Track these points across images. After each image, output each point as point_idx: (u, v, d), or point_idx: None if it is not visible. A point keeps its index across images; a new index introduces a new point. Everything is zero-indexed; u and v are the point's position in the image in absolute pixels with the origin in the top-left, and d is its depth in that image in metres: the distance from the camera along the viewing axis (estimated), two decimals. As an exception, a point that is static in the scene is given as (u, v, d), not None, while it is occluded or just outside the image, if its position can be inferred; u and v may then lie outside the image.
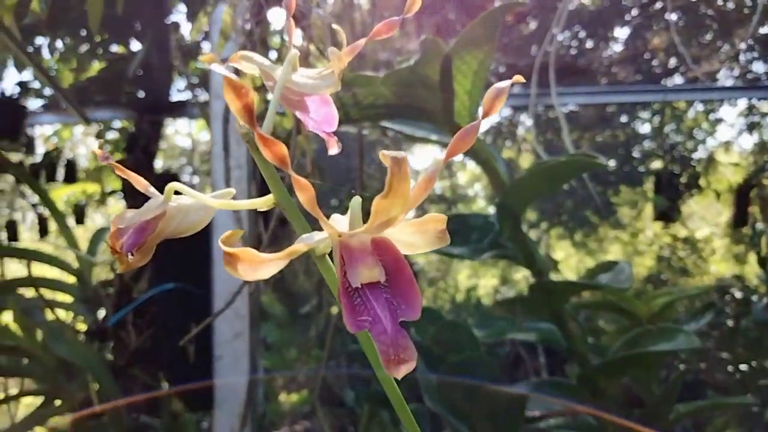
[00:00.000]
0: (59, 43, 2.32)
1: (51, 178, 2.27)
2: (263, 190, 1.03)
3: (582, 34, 2.53)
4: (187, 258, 0.98)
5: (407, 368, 0.20)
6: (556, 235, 3.79)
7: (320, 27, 0.77)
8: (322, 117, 0.30)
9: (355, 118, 0.78)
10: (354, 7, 1.00)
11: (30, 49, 2.19)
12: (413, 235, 0.23)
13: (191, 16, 1.85)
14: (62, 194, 2.40)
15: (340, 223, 0.23)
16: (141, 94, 2.29)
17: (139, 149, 2.18)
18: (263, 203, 0.25)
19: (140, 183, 0.28)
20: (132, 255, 0.27)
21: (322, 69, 0.29)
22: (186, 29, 1.97)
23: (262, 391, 1.93)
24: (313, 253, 0.24)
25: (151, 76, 2.20)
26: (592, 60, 2.59)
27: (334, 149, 0.31)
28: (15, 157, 2.20)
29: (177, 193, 0.27)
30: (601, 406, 0.80)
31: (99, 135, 2.51)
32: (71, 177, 2.20)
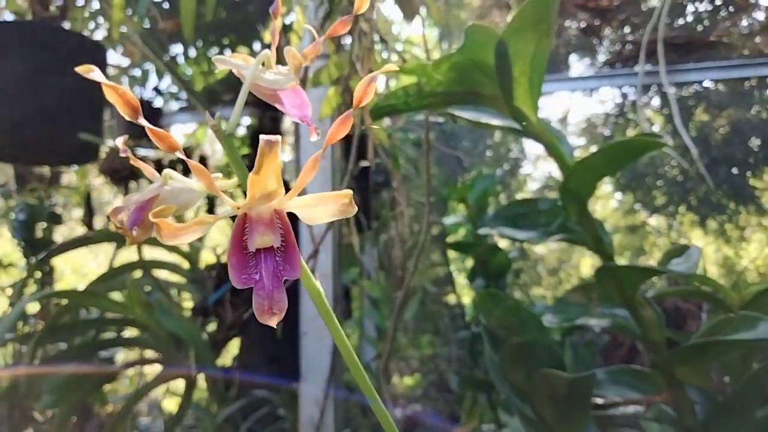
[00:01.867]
0: (192, 51, 2.55)
1: (186, 173, 2.52)
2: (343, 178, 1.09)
3: (708, 5, 2.33)
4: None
5: (278, 318, 0.23)
6: (688, 222, 3.52)
7: (383, 18, 0.80)
8: (298, 108, 0.33)
9: (418, 106, 0.81)
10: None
11: (167, 57, 2.43)
12: (315, 208, 0.27)
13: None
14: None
15: None
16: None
17: (261, 144, 2.36)
18: (230, 185, 0.30)
19: (147, 170, 0.33)
20: (135, 230, 0.32)
21: (287, 66, 0.33)
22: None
23: (371, 375, 2.01)
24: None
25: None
26: (726, 31, 2.37)
27: (314, 136, 0.34)
28: (155, 154, 2.47)
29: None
30: (679, 395, 0.77)
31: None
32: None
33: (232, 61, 0.33)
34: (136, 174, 2.43)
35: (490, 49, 0.72)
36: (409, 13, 1.23)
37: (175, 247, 1.30)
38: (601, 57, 2.20)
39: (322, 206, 0.27)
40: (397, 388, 2.65)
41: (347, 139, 1.19)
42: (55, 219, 2.50)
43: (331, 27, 0.32)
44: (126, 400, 1.12)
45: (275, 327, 0.83)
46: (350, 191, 0.26)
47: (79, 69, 0.24)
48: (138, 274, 1.23)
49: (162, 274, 1.27)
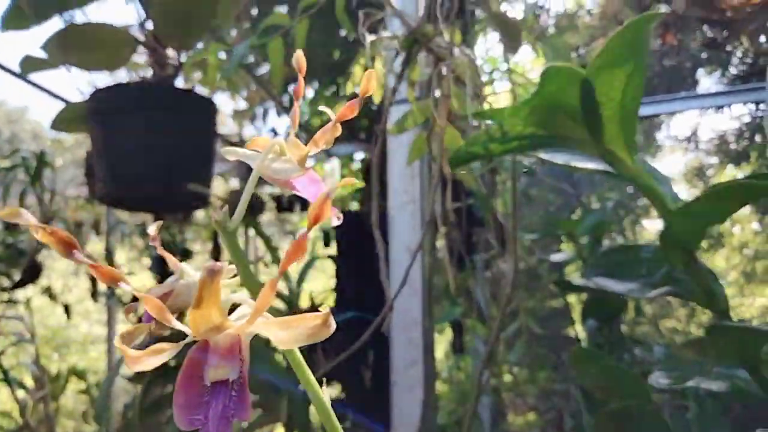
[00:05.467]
0: (309, 91, 2.67)
1: (304, 208, 2.63)
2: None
3: None
4: (367, 289, 1.06)
5: None
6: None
7: (464, 65, 0.78)
8: (311, 193, 0.32)
9: (500, 152, 0.77)
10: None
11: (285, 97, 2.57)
12: (282, 331, 0.24)
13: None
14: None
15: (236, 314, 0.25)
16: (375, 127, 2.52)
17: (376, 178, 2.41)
18: (233, 284, 0.29)
19: (170, 260, 0.34)
20: (154, 324, 0.32)
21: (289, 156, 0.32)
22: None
23: (487, 413, 1.94)
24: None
25: (382, 111, 2.41)
26: None
27: (335, 221, 0.33)
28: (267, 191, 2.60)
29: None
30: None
31: (344, 166, 2.82)
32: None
33: (239, 152, 0.32)
34: (257, 211, 2.57)
35: (574, 90, 0.67)
36: (513, 45, 1.19)
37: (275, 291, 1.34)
38: (732, 70, 2.01)
39: (292, 329, 0.25)
40: (512, 426, 2.54)
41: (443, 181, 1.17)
42: (187, 254, 2.70)
43: (340, 110, 0.31)
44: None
45: (364, 377, 0.82)
46: (328, 312, 0.24)
47: (2, 214, 0.23)
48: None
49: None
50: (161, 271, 2.48)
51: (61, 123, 1.33)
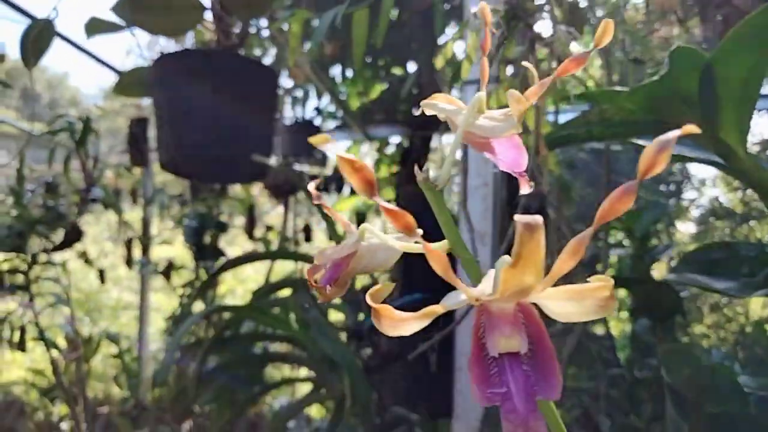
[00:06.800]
0: (349, 72, 2.64)
1: (339, 189, 2.61)
2: (508, 207, 1.04)
3: None
4: (434, 271, 1.03)
5: None
6: None
7: (563, 41, 0.74)
8: (511, 158, 0.30)
9: (601, 136, 0.74)
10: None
11: (325, 79, 2.54)
12: (568, 303, 0.22)
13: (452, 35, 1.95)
14: (351, 202, 2.71)
15: (488, 284, 0.23)
16: (415, 111, 2.49)
17: (411, 162, 2.39)
18: (440, 248, 0.27)
19: (342, 221, 0.31)
20: (330, 287, 0.30)
21: (507, 110, 0.29)
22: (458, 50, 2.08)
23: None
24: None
25: (423, 95, 2.37)
26: None
27: (525, 189, 0.30)
28: (313, 170, 2.58)
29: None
30: None
31: (379, 150, 2.79)
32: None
33: (441, 106, 0.30)
34: (295, 189, 2.55)
35: (695, 76, 0.63)
36: (578, 25, 1.15)
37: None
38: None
39: (577, 301, 0.21)
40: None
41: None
42: (222, 227, 2.69)
43: (561, 66, 0.28)
44: (283, 412, 1.16)
45: (430, 361, 0.78)
46: (611, 281, 0.21)
47: (313, 140, 0.22)
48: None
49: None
50: (196, 241, 2.48)
51: (124, 87, 1.32)
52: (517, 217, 0.19)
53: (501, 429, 0.20)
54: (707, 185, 2.47)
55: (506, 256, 0.23)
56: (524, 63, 0.32)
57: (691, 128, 0.19)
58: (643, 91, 0.65)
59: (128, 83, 1.33)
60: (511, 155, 0.30)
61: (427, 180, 0.26)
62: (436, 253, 0.21)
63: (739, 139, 0.68)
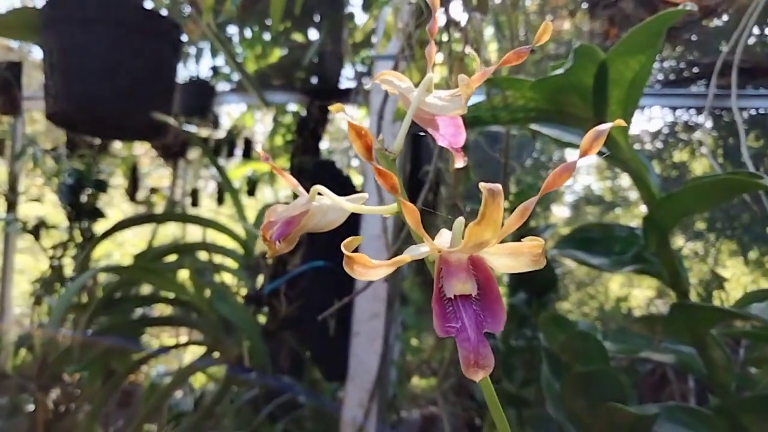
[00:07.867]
0: (248, 32, 2.55)
1: (230, 153, 2.54)
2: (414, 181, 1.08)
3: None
4: (337, 240, 1.06)
5: (484, 373, 0.22)
6: (728, 251, 3.42)
7: (477, 30, 0.79)
8: (450, 135, 0.32)
9: (504, 120, 0.80)
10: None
11: (222, 38, 2.44)
12: (508, 257, 0.26)
13: (366, 8, 1.95)
14: (243, 170, 2.65)
15: (445, 238, 0.26)
16: (314, 80, 2.47)
17: (308, 132, 2.37)
18: (386, 211, 0.29)
19: (291, 182, 0.33)
20: (279, 243, 0.32)
21: (454, 91, 0.32)
22: (360, 19, 2.09)
23: (395, 373, 2.01)
24: (427, 260, 0.27)
25: (324, 64, 2.36)
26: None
27: (459, 163, 0.34)
28: (203, 132, 2.49)
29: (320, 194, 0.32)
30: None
31: (275, 118, 2.74)
32: (248, 154, 2.41)
33: (396, 83, 0.32)
34: (185, 150, 2.45)
35: (591, 71, 0.70)
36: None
37: (228, 230, 1.31)
38: (658, 75, 2.15)
39: (515, 256, 0.26)
40: (416, 389, 2.64)
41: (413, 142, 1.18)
42: (101, 186, 2.53)
43: (503, 58, 0.31)
44: (171, 379, 1.14)
45: (328, 325, 0.82)
46: (543, 241, 0.25)
47: (333, 108, 0.24)
48: (202, 254, 1.24)
49: (216, 257, 1.29)
50: (72, 200, 2.32)
51: (6, 29, 1.19)
52: (482, 184, 0.22)
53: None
54: (581, 173, 2.68)
55: (460, 218, 0.26)
56: (468, 50, 0.35)
57: (620, 122, 0.23)
58: (547, 83, 0.71)
59: (9, 24, 1.20)
60: (451, 132, 0.32)
61: (383, 149, 0.28)
62: (410, 207, 0.24)
63: (622, 131, 0.76)
